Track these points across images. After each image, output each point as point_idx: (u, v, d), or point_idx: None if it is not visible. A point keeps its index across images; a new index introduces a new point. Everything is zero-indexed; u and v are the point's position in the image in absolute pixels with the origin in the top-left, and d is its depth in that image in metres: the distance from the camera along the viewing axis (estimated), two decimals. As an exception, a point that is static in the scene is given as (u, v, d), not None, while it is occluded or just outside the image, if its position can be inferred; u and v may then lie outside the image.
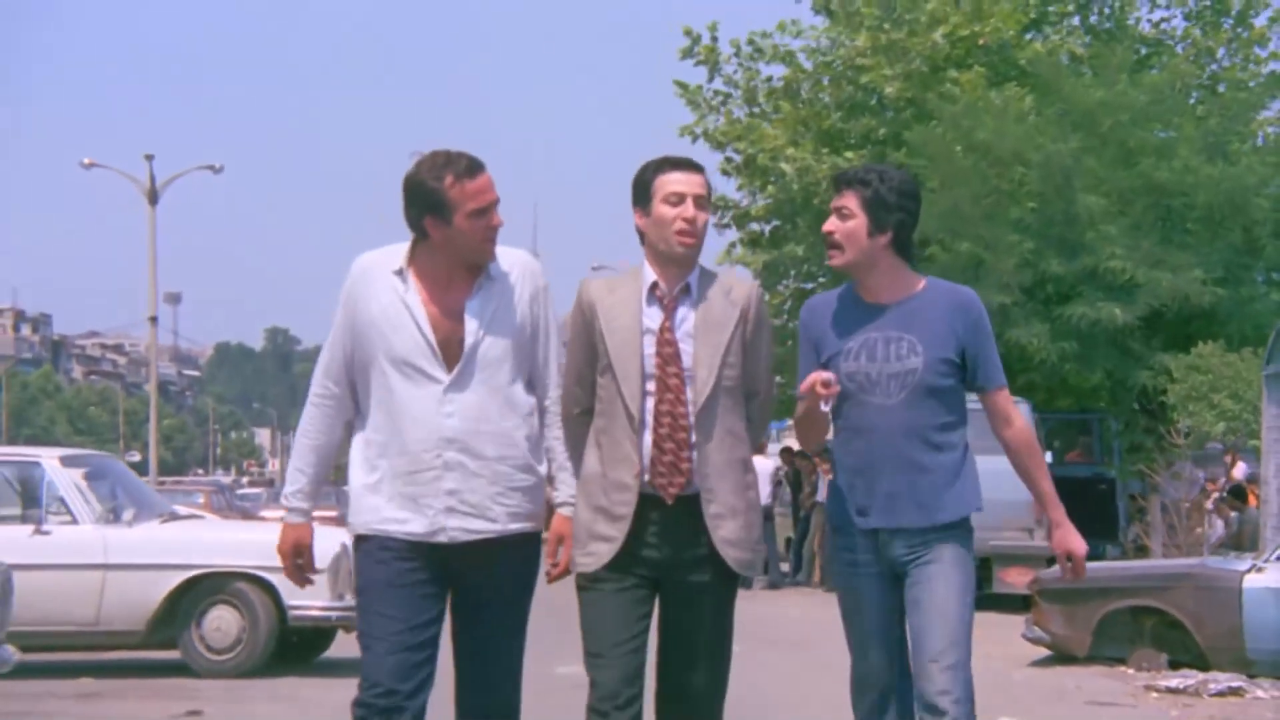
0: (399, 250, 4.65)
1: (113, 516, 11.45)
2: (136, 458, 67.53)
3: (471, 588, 4.59)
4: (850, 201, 4.68)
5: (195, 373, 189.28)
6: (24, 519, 11.43)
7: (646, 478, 4.60)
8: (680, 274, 4.70)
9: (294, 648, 11.65)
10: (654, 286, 4.70)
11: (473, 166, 4.55)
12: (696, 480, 4.61)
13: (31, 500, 11.57)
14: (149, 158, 40.71)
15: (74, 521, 11.21)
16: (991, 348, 4.72)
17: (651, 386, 4.63)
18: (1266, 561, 11.89)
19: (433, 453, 4.51)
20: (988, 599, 15.76)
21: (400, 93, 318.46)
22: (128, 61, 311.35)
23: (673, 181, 4.68)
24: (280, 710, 9.48)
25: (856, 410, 4.67)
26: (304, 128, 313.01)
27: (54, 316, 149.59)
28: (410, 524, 4.51)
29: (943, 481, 4.64)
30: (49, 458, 11.58)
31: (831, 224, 4.71)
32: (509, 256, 4.69)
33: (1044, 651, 12.71)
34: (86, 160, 42.27)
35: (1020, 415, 4.78)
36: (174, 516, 12.23)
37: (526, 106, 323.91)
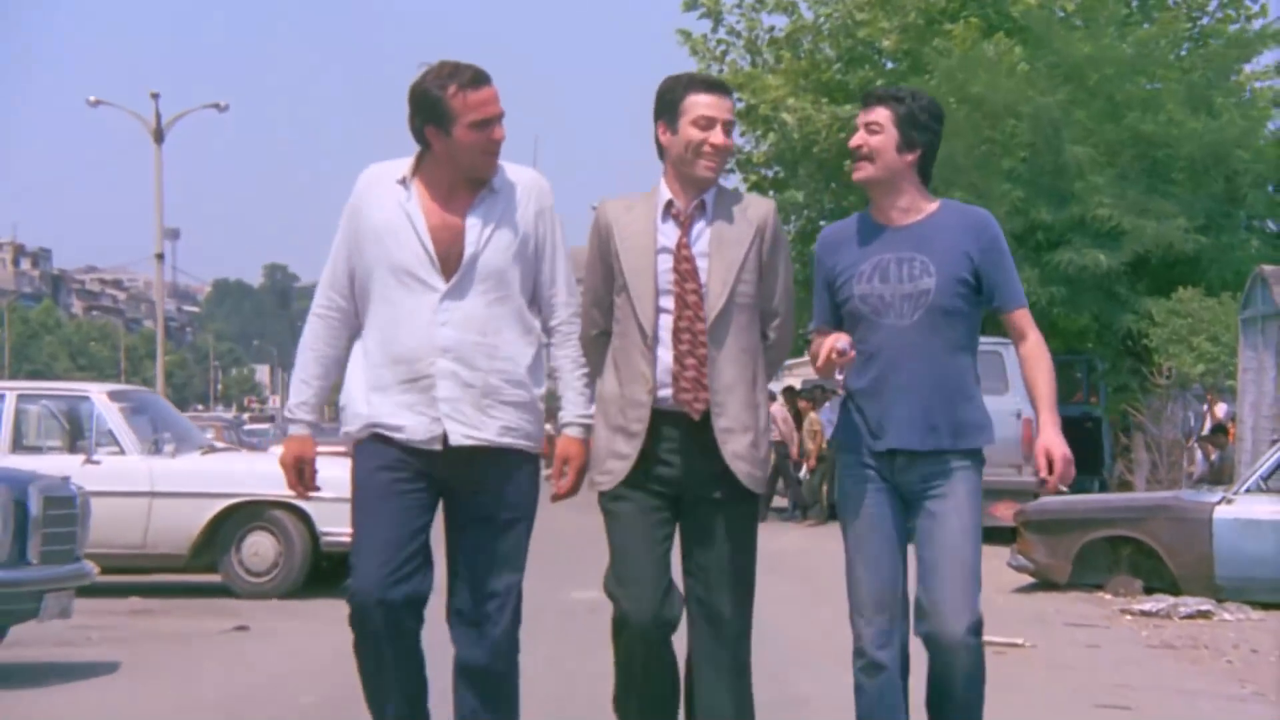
0: (405, 161, 4.63)
1: (155, 448, 12.23)
2: None
3: (463, 505, 4.57)
4: (881, 116, 4.62)
5: (194, 309, 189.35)
6: (73, 449, 12.20)
7: (668, 393, 4.59)
8: (698, 193, 4.69)
9: (325, 572, 12.43)
10: (669, 205, 4.69)
11: (478, 78, 4.49)
12: (708, 394, 4.60)
13: (80, 432, 12.34)
14: (155, 96, 41.28)
15: (121, 452, 11.97)
16: (1008, 267, 4.63)
17: (668, 303, 4.61)
18: (1235, 494, 12.68)
19: (426, 361, 4.49)
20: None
21: (401, 33, 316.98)
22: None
23: (703, 104, 4.63)
24: (318, 627, 10.23)
25: (870, 332, 4.60)
26: (307, 64, 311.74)
27: (53, 252, 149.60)
28: (406, 430, 4.50)
29: (958, 404, 4.58)
30: (98, 393, 12.34)
31: (860, 138, 4.65)
32: (516, 172, 4.65)
33: (1028, 579, 13.45)
34: (92, 98, 42.83)
35: (1036, 331, 4.70)
36: (212, 449, 13.01)
37: (529, 50, 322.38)
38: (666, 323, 4.59)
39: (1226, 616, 11.77)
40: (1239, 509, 12.45)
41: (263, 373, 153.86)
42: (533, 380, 4.61)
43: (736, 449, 4.61)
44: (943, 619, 4.46)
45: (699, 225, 4.65)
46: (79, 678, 8.08)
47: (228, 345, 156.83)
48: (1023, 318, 4.66)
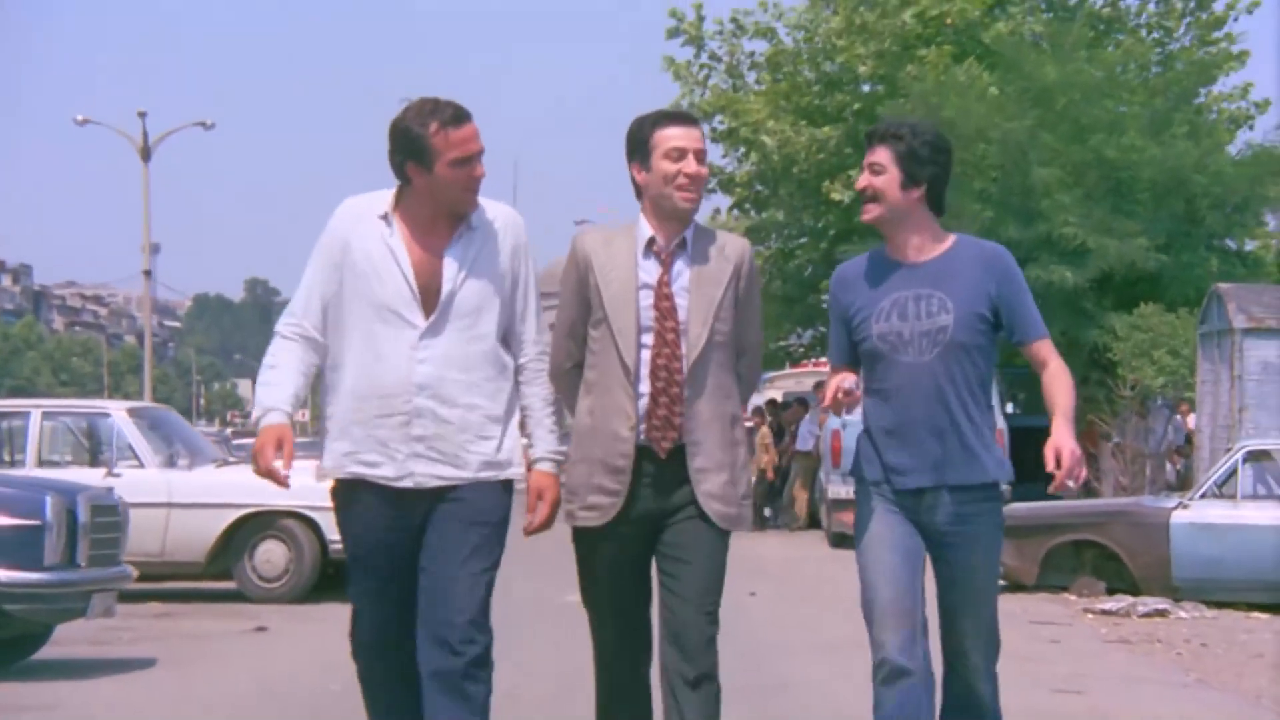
0: (384, 196, 4.62)
1: (171, 462, 12.94)
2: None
3: (436, 520, 4.54)
4: (882, 156, 4.61)
5: (175, 324, 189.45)
6: (94, 463, 12.90)
7: (642, 428, 4.62)
8: (678, 229, 4.69)
9: (332, 578, 13.11)
10: (651, 241, 4.69)
11: (458, 115, 4.51)
12: (684, 434, 4.63)
13: (99, 447, 13.05)
14: (142, 115, 41.87)
15: (140, 466, 12.66)
16: (1026, 300, 4.60)
17: (648, 340, 4.63)
18: (1191, 500, 13.49)
19: (403, 397, 4.48)
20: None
21: (382, 51, 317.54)
22: (119, 19, 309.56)
23: (673, 137, 4.66)
24: (330, 627, 10.91)
25: (889, 370, 4.59)
26: (290, 80, 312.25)
27: (34, 268, 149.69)
28: (381, 468, 4.50)
29: (977, 440, 4.57)
30: (118, 410, 13.06)
31: (864, 179, 4.65)
32: (492, 209, 4.65)
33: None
34: (80, 117, 43.45)
35: (1058, 359, 4.67)
36: (225, 462, 13.73)
37: (512, 68, 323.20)
38: (646, 359, 4.63)
39: (1182, 615, 12.55)
40: (1194, 514, 13.26)
41: (244, 387, 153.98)
42: (509, 416, 4.63)
43: (710, 489, 4.64)
44: (967, 672, 4.60)
45: (680, 263, 4.68)
46: (123, 671, 8.82)
47: (209, 360, 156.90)
48: (1044, 347, 4.63)
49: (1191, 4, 23.40)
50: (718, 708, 4.68)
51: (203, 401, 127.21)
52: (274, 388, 4.53)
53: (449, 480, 4.49)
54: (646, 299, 4.64)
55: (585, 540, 4.70)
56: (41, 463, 12.76)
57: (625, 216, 4.93)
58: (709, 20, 24.98)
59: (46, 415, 13.00)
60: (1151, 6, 23.69)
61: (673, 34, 24.94)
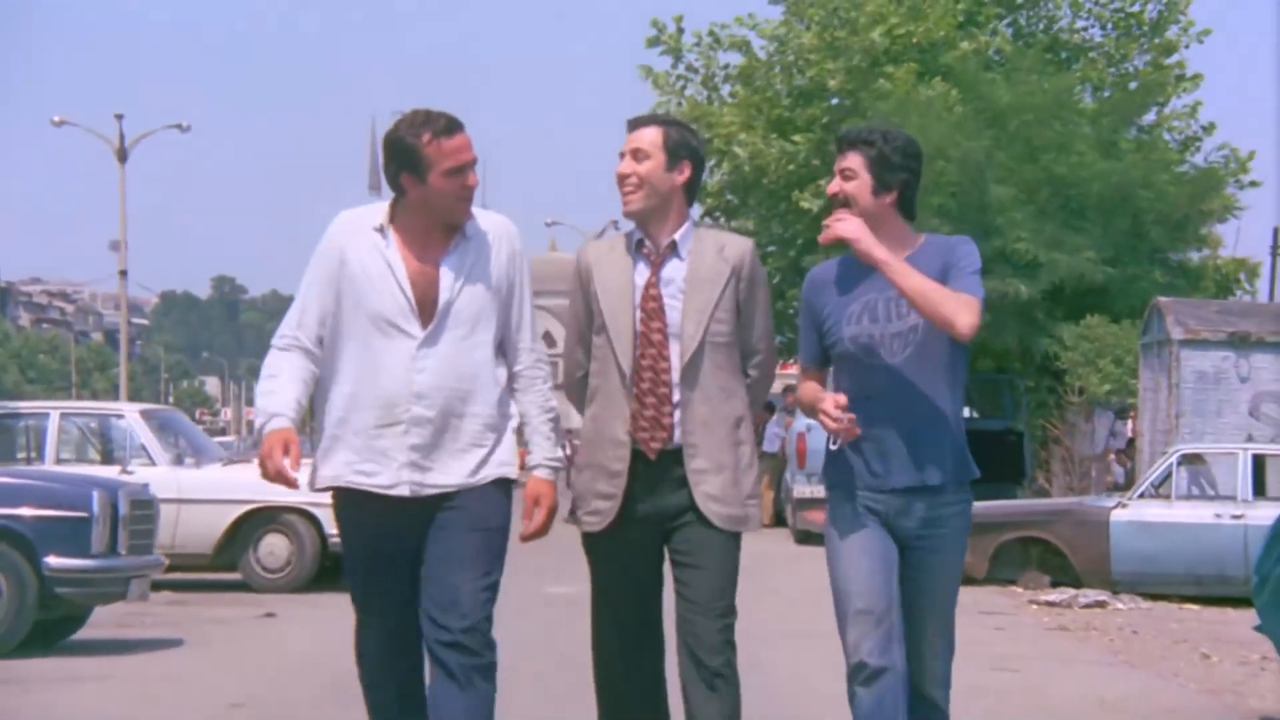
0: (380, 208, 4.65)
1: (179, 460, 13.85)
2: None
3: (439, 526, 4.57)
4: (853, 162, 4.59)
5: (143, 321, 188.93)
6: (107, 461, 13.80)
7: (632, 432, 4.65)
8: (662, 230, 4.71)
9: (330, 570, 13.98)
10: (640, 244, 4.73)
11: (451, 125, 4.53)
12: (679, 435, 4.64)
13: (113, 446, 13.96)
14: (119, 117, 42.46)
15: (152, 464, 13.56)
16: (966, 266, 4.53)
17: (638, 342, 4.66)
18: (1130, 499, 14.54)
19: (401, 407, 4.51)
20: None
21: (356, 55, 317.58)
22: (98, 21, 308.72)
23: (625, 141, 4.74)
24: (333, 614, 11.78)
25: (862, 373, 4.58)
26: (261, 81, 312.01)
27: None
28: (378, 477, 4.53)
29: (950, 438, 4.58)
30: (131, 411, 13.97)
31: (836, 185, 4.62)
32: (487, 219, 4.68)
33: (949, 575, 15.26)
34: (56, 118, 44.07)
35: (968, 298, 4.47)
36: (231, 460, 14.64)
37: (489, 71, 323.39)
38: (636, 361, 4.65)
39: (1120, 606, 13.59)
40: (1132, 512, 14.31)
41: (211, 385, 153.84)
42: (505, 423, 4.65)
43: (710, 490, 4.63)
44: (921, 678, 4.60)
45: (671, 264, 4.69)
46: (156, 649, 9.78)
47: (176, 357, 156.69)
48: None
49: (1147, 28, 24.49)
50: (736, 707, 4.69)
51: (171, 399, 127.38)
52: (275, 395, 4.57)
53: (445, 488, 4.53)
54: (637, 302, 4.67)
55: (593, 545, 4.73)
56: (59, 461, 13.65)
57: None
58: (688, 33, 25.99)
59: (64, 416, 13.91)
60: (1111, 33, 24.77)
61: (652, 43, 25.87)
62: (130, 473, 13.40)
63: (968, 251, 4.60)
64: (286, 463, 4.42)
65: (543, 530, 4.69)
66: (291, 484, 4.42)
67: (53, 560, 9.06)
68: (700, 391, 4.64)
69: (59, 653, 9.50)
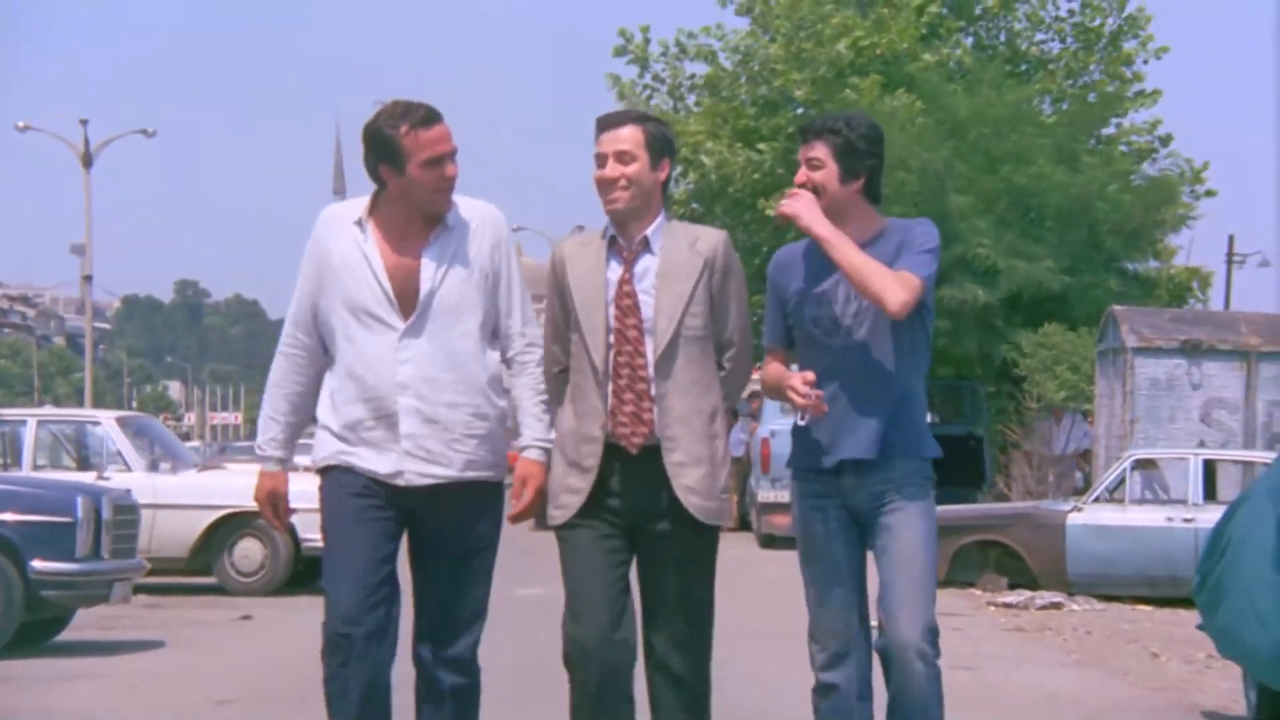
0: (361, 202, 4.70)
1: (155, 466, 14.09)
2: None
3: (429, 536, 4.64)
4: (820, 151, 4.62)
5: (105, 325, 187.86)
6: (83, 468, 14.01)
7: (609, 426, 4.65)
8: (637, 227, 4.70)
9: (303, 574, 14.22)
10: (613, 241, 4.73)
11: (429, 116, 4.55)
12: (658, 430, 4.64)
13: (89, 453, 14.18)
14: (84, 122, 42.51)
15: (128, 469, 13.79)
16: (919, 245, 4.56)
17: (613, 339, 4.66)
18: (1085, 503, 14.93)
19: (389, 398, 4.55)
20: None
21: (320, 60, 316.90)
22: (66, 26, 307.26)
23: (598, 143, 4.71)
24: (308, 616, 12.05)
25: (821, 352, 4.64)
26: (224, 84, 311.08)
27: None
28: (372, 462, 4.59)
29: (906, 415, 4.63)
30: (107, 419, 14.21)
31: (803, 175, 4.65)
32: (470, 207, 4.69)
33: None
34: (21, 123, 44.09)
35: (907, 277, 4.54)
36: (206, 467, 14.89)
37: (457, 76, 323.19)
38: (612, 358, 4.67)
39: (1075, 607, 13.98)
40: (1087, 516, 14.69)
41: (174, 389, 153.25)
42: (494, 412, 4.68)
43: (689, 482, 4.65)
44: (897, 628, 4.51)
45: (644, 260, 4.70)
46: (140, 650, 10.05)
47: (139, 361, 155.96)
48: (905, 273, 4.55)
49: (1105, 42, 24.96)
50: (703, 708, 4.75)
51: (135, 404, 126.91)
52: (267, 423, 4.74)
53: (439, 479, 4.57)
54: (611, 298, 4.69)
55: (563, 539, 4.74)
56: (36, 467, 13.87)
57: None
58: (654, 43, 26.34)
59: (41, 423, 14.14)
60: (1071, 45, 25.23)
61: (620, 53, 26.27)
62: (107, 479, 13.58)
63: (923, 232, 4.65)
64: (279, 512, 4.73)
65: (530, 511, 4.73)
66: (283, 531, 4.57)
67: (38, 564, 9.32)
68: (675, 385, 4.67)
69: (44, 653, 9.76)
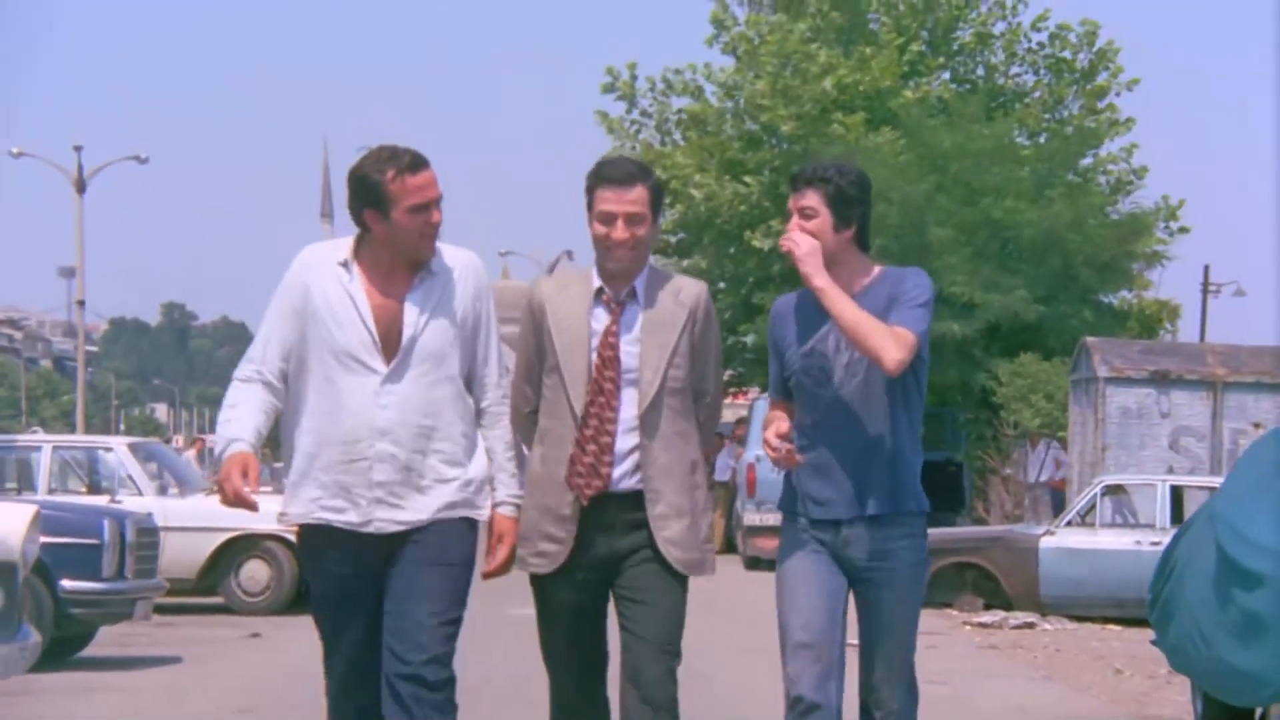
0: (344, 243, 4.65)
1: (164, 490, 14.67)
2: (39, 433, 67.81)
3: (401, 561, 4.57)
4: (812, 200, 4.60)
5: (92, 348, 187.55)
6: (95, 491, 14.59)
7: (565, 476, 4.62)
8: (623, 283, 4.68)
9: (307, 594, 14.74)
10: (600, 291, 4.68)
11: (415, 162, 4.51)
12: (641, 480, 4.62)
13: (100, 477, 14.76)
14: (78, 148, 43.01)
15: (139, 494, 14.37)
16: (913, 299, 4.54)
17: (588, 389, 4.63)
18: (1057, 528, 15.56)
19: (365, 443, 4.50)
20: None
21: (309, 87, 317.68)
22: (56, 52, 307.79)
23: (604, 200, 4.65)
24: (314, 633, 12.70)
25: (815, 402, 4.61)
26: (212, 108, 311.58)
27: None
28: (346, 513, 4.53)
29: (897, 469, 4.59)
30: (119, 444, 14.79)
31: (795, 224, 4.62)
32: (453, 254, 4.66)
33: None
34: (15, 149, 44.63)
35: (901, 331, 4.50)
36: (212, 491, 15.45)
37: (444, 106, 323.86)
38: (584, 407, 4.62)
39: (1047, 626, 14.59)
40: (1060, 540, 15.32)
41: (161, 412, 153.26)
42: (470, 460, 4.64)
43: (670, 535, 4.63)
44: (879, 695, 4.60)
45: (631, 311, 4.67)
46: (157, 665, 10.63)
47: (126, 384, 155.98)
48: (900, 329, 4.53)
49: (1079, 75, 25.68)
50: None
51: (122, 427, 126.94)
52: (234, 423, 4.56)
53: (410, 524, 4.53)
54: (595, 347, 4.64)
55: (540, 586, 4.73)
56: (50, 490, 14.44)
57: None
58: (641, 79, 27.04)
59: (56, 449, 14.72)
60: (1045, 78, 25.95)
61: (607, 89, 26.96)
62: (119, 502, 14.20)
63: (916, 284, 4.63)
64: (246, 486, 4.42)
65: (505, 568, 4.74)
66: (251, 506, 4.40)
67: (67, 583, 9.91)
68: (660, 438, 4.65)
69: (69, 668, 10.32)
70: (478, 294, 4.67)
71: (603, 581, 4.70)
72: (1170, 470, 16.62)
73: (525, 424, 4.79)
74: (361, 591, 4.57)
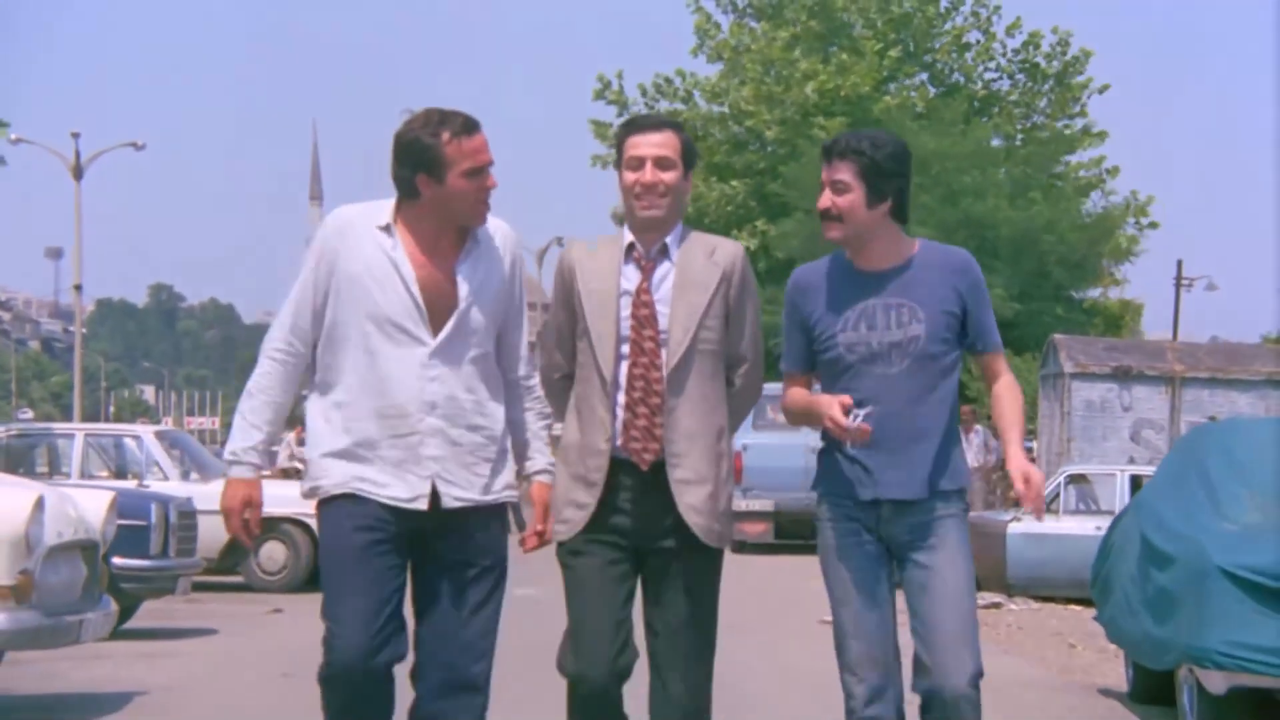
0: (383, 206, 4.44)
1: (187, 475, 15.67)
2: (29, 414, 68.18)
3: (436, 561, 4.45)
4: (845, 174, 4.42)
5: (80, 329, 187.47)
6: (119, 477, 15.57)
7: (619, 443, 4.46)
8: (655, 236, 4.52)
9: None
10: (631, 247, 4.54)
11: (469, 124, 4.35)
12: (665, 445, 4.45)
13: (127, 463, 15.76)
14: (75, 135, 43.80)
15: (165, 478, 15.38)
16: (988, 311, 4.52)
17: (627, 350, 4.46)
18: (1024, 514, 16.57)
19: (415, 417, 4.34)
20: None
21: (299, 81, 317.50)
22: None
23: (633, 145, 4.51)
24: (330, 611, 13.73)
25: (857, 380, 4.45)
26: (201, 90, 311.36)
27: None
28: (390, 488, 4.35)
29: (942, 449, 4.47)
30: (146, 432, 15.81)
31: (827, 199, 4.44)
32: (492, 223, 4.50)
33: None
34: (13, 136, 45.36)
35: (1010, 373, 4.63)
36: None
37: (441, 95, 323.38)
38: (624, 369, 4.48)
39: (1013, 607, 15.58)
40: (1026, 526, 16.30)
41: (150, 393, 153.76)
42: (504, 437, 4.54)
43: (692, 501, 4.48)
44: (945, 674, 4.39)
45: (662, 268, 4.53)
46: (199, 635, 11.67)
47: (114, 365, 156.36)
48: (998, 360, 4.60)
49: (1051, 79, 26.75)
50: None
51: (111, 409, 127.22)
52: (247, 430, 4.43)
53: (462, 502, 4.40)
54: (626, 307, 4.49)
55: (567, 565, 4.59)
56: (83, 475, 15.43)
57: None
58: (631, 86, 28.15)
59: (89, 436, 15.73)
60: (1021, 79, 27.01)
61: (599, 95, 28.02)
62: (146, 486, 15.20)
63: (983, 286, 4.61)
64: (249, 522, 4.42)
65: (548, 538, 4.63)
66: (249, 545, 4.52)
67: (118, 560, 10.90)
68: (687, 401, 4.49)
69: (118, 638, 11.31)
70: (514, 265, 4.57)
71: (630, 558, 4.55)
72: (1131, 460, 17.59)
73: (557, 390, 4.70)
74: (387, 554, 4.37)
